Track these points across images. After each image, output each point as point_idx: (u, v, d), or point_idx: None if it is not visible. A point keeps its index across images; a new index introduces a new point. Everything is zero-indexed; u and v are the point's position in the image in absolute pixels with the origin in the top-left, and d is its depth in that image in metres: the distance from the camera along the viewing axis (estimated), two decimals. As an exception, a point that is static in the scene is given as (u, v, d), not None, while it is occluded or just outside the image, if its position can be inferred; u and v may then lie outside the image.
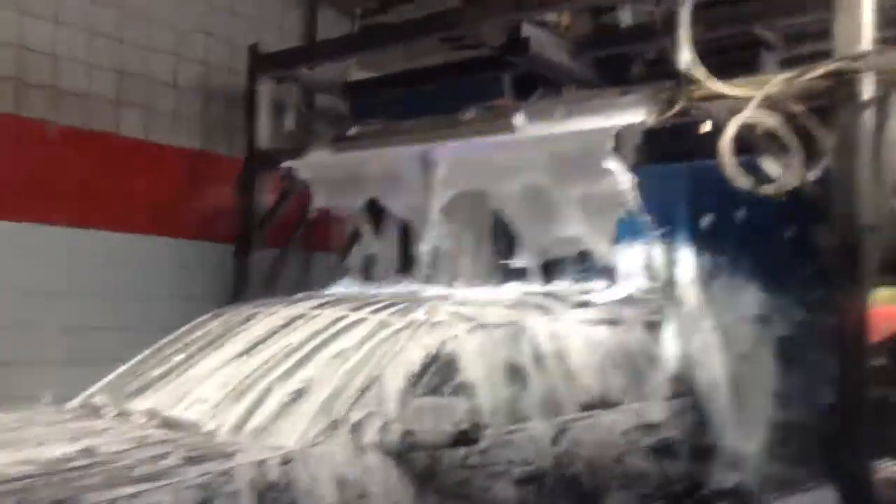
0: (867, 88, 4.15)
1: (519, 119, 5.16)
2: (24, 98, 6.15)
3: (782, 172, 4.36)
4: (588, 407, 3.89)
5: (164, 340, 4.15)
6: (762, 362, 4.67)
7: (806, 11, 5.00)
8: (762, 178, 4.48)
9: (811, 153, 4.42)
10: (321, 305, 4.00)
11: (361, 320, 3.66)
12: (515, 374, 3.65)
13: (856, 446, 4.09)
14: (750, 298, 4.76)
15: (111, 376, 3.95)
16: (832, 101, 4.25)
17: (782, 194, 4.36)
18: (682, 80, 4.67)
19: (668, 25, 4.77)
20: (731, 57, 5.62)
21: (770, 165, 4.48)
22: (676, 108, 4.69)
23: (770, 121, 4.37)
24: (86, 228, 6.35)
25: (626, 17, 6.22)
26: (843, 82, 4.16)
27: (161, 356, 3.96)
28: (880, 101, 4.20)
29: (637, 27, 5.92)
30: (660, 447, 4.13)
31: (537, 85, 6.23)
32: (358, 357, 3.34)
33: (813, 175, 4.41)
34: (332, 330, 3.63)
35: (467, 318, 3.64)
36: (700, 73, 4.56)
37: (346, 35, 7.64)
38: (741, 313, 4.72)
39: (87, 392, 3.84)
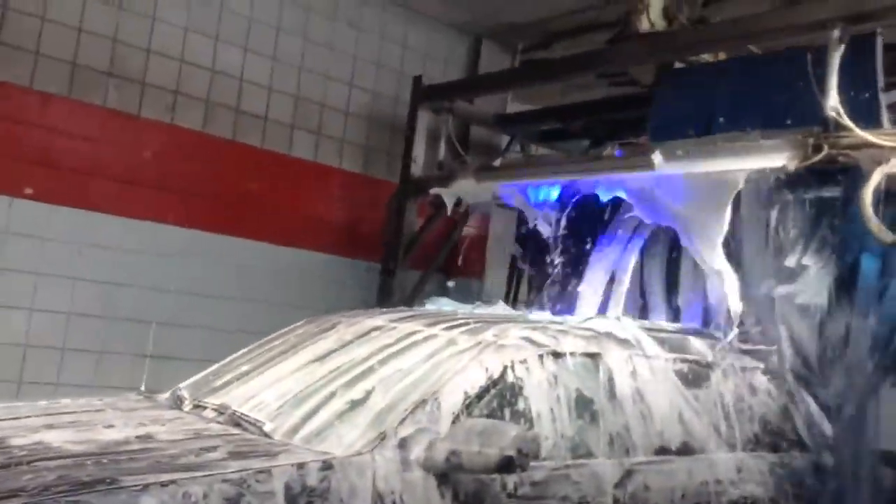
0: None
1: (657, 157, 5.18)
2: (212, 117, 6.87)
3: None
4: (664, 452, 3.72)
5: (258, 343, 4.26)
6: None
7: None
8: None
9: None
10: (400, 319, 4.00)
11: (432, 336, 3.64)
12: (585, 406, 3.54)
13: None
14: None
15: (204, 372, 4.08)
16: None
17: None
18: (828, 126, 4.54)
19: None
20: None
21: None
22: (822, 154, 4.56)
23: (920, 172, 4.16)
24: (253, 240, 6.95)
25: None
26: None
27: (250, 357, 4.06)
28: None
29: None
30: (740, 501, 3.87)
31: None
32: (420, 372, 3.33)
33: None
34: (403, 344, 3.63)
35: (538, 344, 3.55)
36: (847, 120, 4.41)
37: (506, 70, 7.92)
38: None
39: (180, 385, 3.97)
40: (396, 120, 7.72)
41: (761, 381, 4.40)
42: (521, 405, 3.32)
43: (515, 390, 3.33)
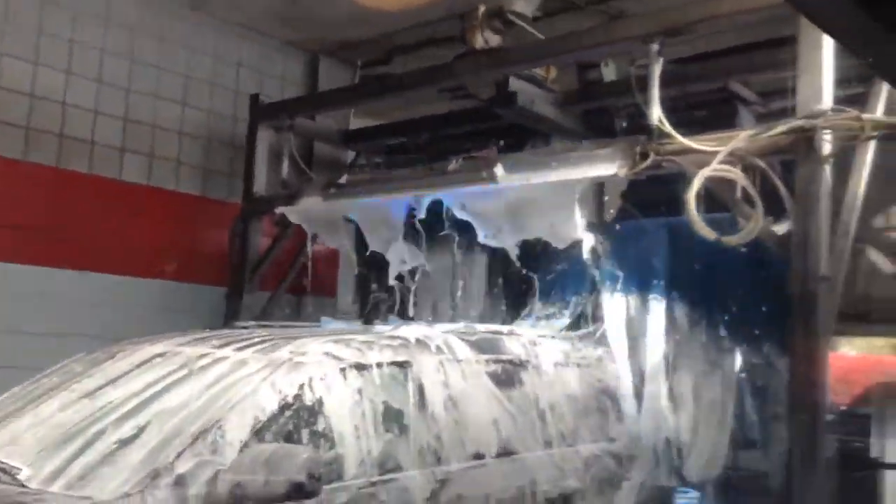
0: (826, 145, 4.29)
1: (500, 170, 5.34)
2: (34, 144, 6.42)
3: (746, 224, 4.48)
4: (479, 457, 3.60)
5: (31, 380, 3.87)
6: (718, 411, 4.71)
7: (777, 68, 5.16)
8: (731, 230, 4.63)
9: (779, 207, 4.56)
10: (188, 342, 3.69)
11: (221, 359, 3.35)
12: (395, 419, 3.38)
13: (811, 493, 4.13)
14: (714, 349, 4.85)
15: None
16: (794, 156, 4.40)
17: (745, 245, 4.48)
18: (653, 135, 4.84)
19: (643, 81, 4.96)
20: (712, 111, 5.85)
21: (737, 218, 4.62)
22: (648, 161, 4.85)
23: (735, 175, 4.52)
24: (83, 271, 6.55)
25: (609, 73, 6.43)
26: (804, 139, 4.31)
27: (17, 395, 3.67)
28: (840, 157, 4.34)
29: (620, 82, 6.12)
30: (558, 498, 3.86)
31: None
32: (204, 400, 3.04)
33: (781, 229, 4.55)
34: (188, 370, 3.33)
35: (339, 358, 3.34)
36: (669, 128, 4.72)
37: (346, 86, 7.91)
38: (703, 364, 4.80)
39: None
40: (236, 139, 7.53)
41: (585, 376, 4.40)
42: (321, 425, 3.11)
43: (315, 409, 3.12)
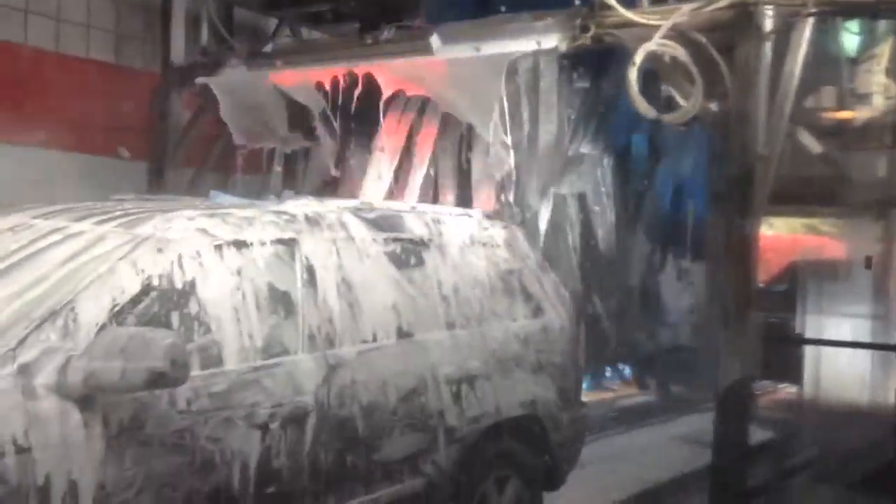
0: (767, 21, 4.25)
1: (435, 40, 5.15)
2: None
3: (685, 101, 4.47)
4: (375, 341, 3.40)
5: None
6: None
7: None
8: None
9: (717, 84, 4.55)
10: (45, 214, 3.28)
11: (78, 234, 3.00)
12: (280, 301, 3.13)
13: (739, 366, 4.34)
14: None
15: None
16: (735, 32, 4.35)
17: (684, 122, 4.48)
18: (595, 7, 4.71)
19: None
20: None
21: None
22: (589, 34, 4.74)
23: (677, 51, 4.46)
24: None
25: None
26: (745, 14, 4.26)
27: None
28: (780, 35, 4.32)
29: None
30: (462, 380, 3.67)
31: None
32: (53, 280, 2.72)
33: (715, 105, 4.55)
34: (39, 245, 2.96)
35: (214, 235, 3.02)
36: (612, 0, 4.60)
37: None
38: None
39: None
40: (150, 3, 7.00)
41: (502, 255, 4.16)
42: (192, 308, 2.84)
43: (185, 291, 2.83)
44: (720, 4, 4.33)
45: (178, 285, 2.83)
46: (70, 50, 6.66)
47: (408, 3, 6.24)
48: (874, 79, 5.48)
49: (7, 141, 6.14)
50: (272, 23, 7.75)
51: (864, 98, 5.48)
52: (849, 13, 4.28)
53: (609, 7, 4.62)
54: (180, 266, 2.86)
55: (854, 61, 5.48)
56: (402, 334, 3.52)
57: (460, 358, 3.70)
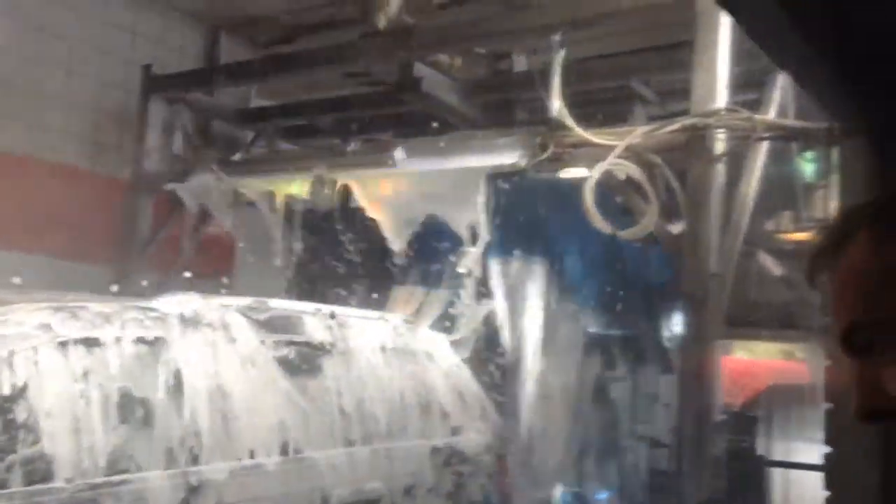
0: (719, 144, 4.35)
1: (399, 153, 5.23)
2: None
3: (640, 219, 4.51)
4: (253, 457, 3.07)
5: None
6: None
7: (674, 69, 5.22)
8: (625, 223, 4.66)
9: (671, 203, 4.61)
10: None
11: None
12: (135, 407, 2.82)
13: (701, 490, 4.20)
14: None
15: None
16: (688, 154, 4.45)
17: (639, 239, 4.51)
18: (553, 127, 4.82)
19: (546, 74, 4.93)
20: (612, 109, 5.88)
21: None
22: (547, 152, 4.83)
23: (631, 170, 4.54)
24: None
25: (520, 63, 6.40)
26: (697, 137, 4.36)
27: None
28: (732, 158, 4.41)
29: (524, 74, 6.09)
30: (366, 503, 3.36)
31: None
32: None
33: (677, 228, 4.59)
34: None
35: (56, 331, 2.73)
36: (569, 121, 4.71)
37: (245, 61, 7.62)
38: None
39: None
40: (128, 112, 7.14)
41: (418, 365, 3.91)
42: (22, 414, 2.52)
43: (14, 394, 2.52)
44: (673, 127, 4.44)
45: (5, 386, 2.52)
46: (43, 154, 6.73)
47: (380, 119, 6.41)
48: (831, 204, 5.57)
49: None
50: (250, 134, 7.92)
51: (822, 222, 5.55)
52: (797, 139, 4.38)
53: (566, 127, 4.73)
54: (10, 365, 2.55)
55: (809, 187, 5.60)
56: (288, 451, 3.16)
57: (358, 478, 3.33)
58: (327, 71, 6.70)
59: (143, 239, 6.56)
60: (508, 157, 4.89)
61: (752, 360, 6.58)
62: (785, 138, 4.43)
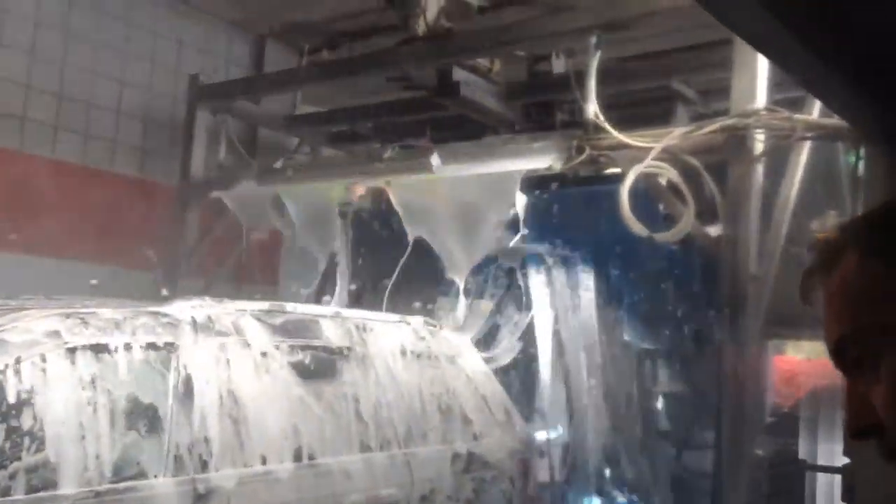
0: (759, 145, 4.28)
1: (435, 159, 5.26)
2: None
3: (677, 221, 4.46)
4: (265, 463, 3.03)
5: None
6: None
7: (715, 68, 5.14)
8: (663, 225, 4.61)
9: (709, 205, 4.54)
10: None
11: None
12: (143, 414, 2.79)
13: (739, 494, 4.13)
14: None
15: None
16: (727, 155, 4.37)
17: (676, 242, 4.46)
18: (589, 130, 4.79)
19: (582, 77, 4.91)
20: (655, 109, 5.82)
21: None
22: (584, 155, 4.81)
23: (669, 172, 4.48)
24: (11, 254, 6.31)
25: (558, 66, 6.37)
26: (736, 138, 4.29)
27: None
28: (773, 158, 4.33)
29: (562, 76, 6.06)
30: None
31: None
32: None
33: (715, 230, 4.52)
34: None
35: (64, 337, 2.70)
36: (605, 123, 4.68)
37: (288, 70, 7.74)
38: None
39: None
40: (176, 120, 7.32)
41: (440, 369, 3.82)
42: (26, 421, 2.49)
43: (20, 401, 2.51)
44: (711, 128, 4.38)
45: (11, 393, 2.51)
46: (95, 163, 6.94)
47: (420, 124, 6.45)
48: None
49: (20, 252, 6.32)
50: (295, 140, 8.05)
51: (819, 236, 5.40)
52: (839, 138, 4.27)
53: (603, 129, 4.70)
54: (16, 371, 2.54)
55: (855, 185, 5.45)
56: (302, 458, 3.11)
57: (373, 485, 3.28)
58: (369, 77, 6.78)
59: (190, 246, 6.71)
60: (545, 160, 4.88)
61: (807, 360, 6.41)
62: (826, 138, 4.32)
